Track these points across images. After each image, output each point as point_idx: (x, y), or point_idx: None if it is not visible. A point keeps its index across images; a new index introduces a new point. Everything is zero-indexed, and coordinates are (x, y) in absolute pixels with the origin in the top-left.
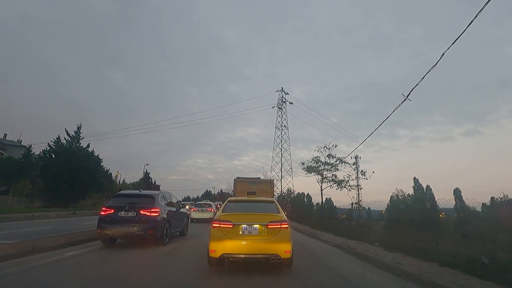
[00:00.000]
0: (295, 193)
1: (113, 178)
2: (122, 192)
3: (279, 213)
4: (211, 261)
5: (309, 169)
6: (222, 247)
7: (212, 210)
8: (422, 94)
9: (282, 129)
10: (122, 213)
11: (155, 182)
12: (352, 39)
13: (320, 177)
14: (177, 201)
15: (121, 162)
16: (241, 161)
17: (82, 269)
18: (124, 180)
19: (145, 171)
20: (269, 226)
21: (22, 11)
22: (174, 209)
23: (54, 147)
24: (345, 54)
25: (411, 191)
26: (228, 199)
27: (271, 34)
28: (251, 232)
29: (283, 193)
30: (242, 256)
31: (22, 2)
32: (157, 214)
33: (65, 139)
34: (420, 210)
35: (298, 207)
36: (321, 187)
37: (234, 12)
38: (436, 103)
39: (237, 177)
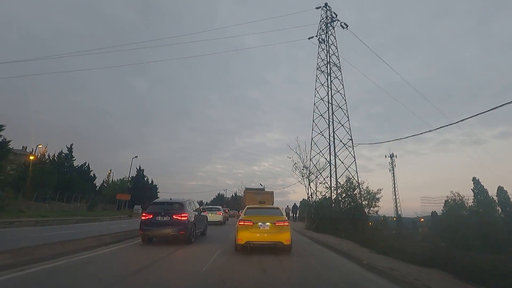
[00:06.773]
0: (363, 186)
1: (92, 176)
2: (157, 200)
3: (282, 215)
4: (238, 247)
5: None
6: (246, 237)
7: (221, 213)
8: (449, 95)
9: (329, 72)
10: (159, 218)
11: (152, 181)
12: (376, 40)
13: None
14: (199, 207)
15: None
16: (260, 166)
17: (139, 252)
18: (119, 179)
19: (137, 168)
20: (276, 224)
21: (55, 24)
22: (197, 213)
23: None
24: (368, 55)
25: (468, 194)
26: (247, 206)
27: (292, 38)
28: (264, 228)
29: (340, 185)
30: (259, 243)
31: (54, 15)
32: (186, 218)
33: None
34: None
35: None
36: None
37: (255, 17)
38: (465, 104)
39: (246, 188)
